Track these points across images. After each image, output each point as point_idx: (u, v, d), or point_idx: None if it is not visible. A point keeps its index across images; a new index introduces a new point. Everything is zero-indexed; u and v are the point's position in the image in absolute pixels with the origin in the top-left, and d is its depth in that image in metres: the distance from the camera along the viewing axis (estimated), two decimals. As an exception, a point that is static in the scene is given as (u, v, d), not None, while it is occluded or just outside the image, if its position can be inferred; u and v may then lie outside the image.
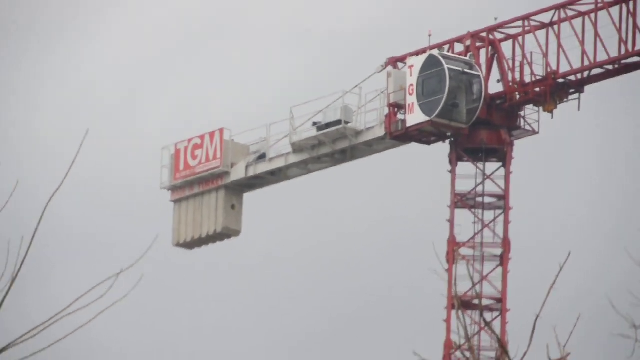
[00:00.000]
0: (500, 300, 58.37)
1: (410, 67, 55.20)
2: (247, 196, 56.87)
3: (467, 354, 49.22)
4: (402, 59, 56.73)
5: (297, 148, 56.98)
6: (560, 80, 55.75)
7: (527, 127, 56.91)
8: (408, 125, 55.39)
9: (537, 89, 55.38)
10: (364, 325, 79.59)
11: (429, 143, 57.49)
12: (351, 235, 73.81)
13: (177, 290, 64.97)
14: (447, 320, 57.39)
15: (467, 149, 56.70)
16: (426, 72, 54.23)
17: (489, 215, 57.99)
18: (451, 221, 57.16)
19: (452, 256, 56.05)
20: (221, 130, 56.80)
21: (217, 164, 55.82)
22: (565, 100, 55.91)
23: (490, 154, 56.33)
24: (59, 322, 8.24)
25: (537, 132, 57.19)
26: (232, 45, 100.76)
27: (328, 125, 55.79)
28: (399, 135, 56.19)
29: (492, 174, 56.32)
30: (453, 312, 57.31)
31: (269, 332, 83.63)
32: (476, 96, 54.62)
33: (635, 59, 55.44)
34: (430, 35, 56.19)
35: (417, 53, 55.99)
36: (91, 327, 8.57)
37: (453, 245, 56.65)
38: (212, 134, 56.92)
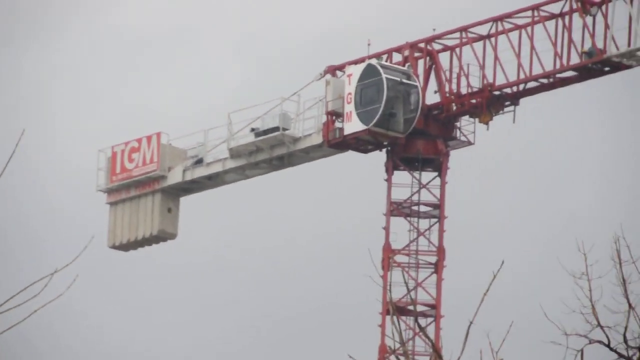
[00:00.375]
0: (435, 307, 59.01)
1: (349, 75, 55.41)
2: (184, 200, 57.07)
3: (402, 359, 48.49)
4: (341, 68, 57.04)
5: (234, 153, 56.93)
6: (496, 93, 56.38)
7: (463, 138, 57.39)
8: (345, 133, 55.81)
9: (473, 101, 55.82)
10: (301, 330, 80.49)
11: (365, 151, 57.73)
12: (288, 241, 74.87)
13: (111, 290, 65.11)
14: (382, 326, 57.97)
15: (403, 158, 56.98)
16: (364, 81, 54.51)
17: (424, 223, 58.48)
18: (387, 229, 57.40)
19: (387, 263, 56.50)
20: (158, 134, 56.83)
21: (154, 167, 55.95)
22: (500, 112, 56.48)
23: (426, 164, 56.83)
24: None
25: (473, 143, 57.70)
26: (172, 50, 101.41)
27: (266, 131, 55.90)
28: (337, 143, 56.47)
29: (428, 183, 56.99)
30: (388, 318, 57.82)
31: (202, 335, 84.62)
32: (413, 106, 54.86)
33: (570, 73, 56.09)
34: (369, 45, 56.46)
35: (355, 62, 56.16)
36: (25, 325, 8.52)
37: (388, 252, 57.04)
38: (149, 138, 56.85)
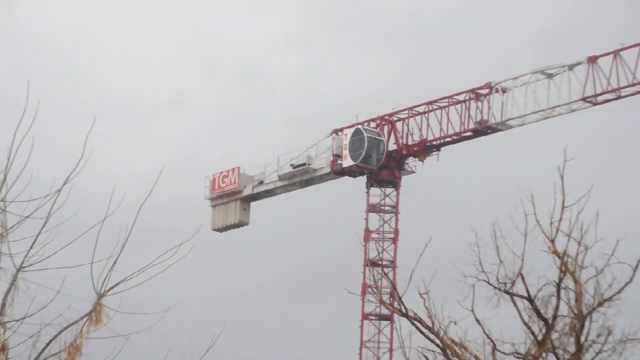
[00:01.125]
0: (393, 262, 71.43)
1: (345, 134, 71.98)
2: (253, 204, 76.69)
3: (375, 290, 56.46)
4: (341, 130, 72.45)
5: (281, 177, 74.48)
6: (428, 144, 71.81)
7: (409, 169, 73.10)
8: (344, 166, 71.20)
9: (415, 148, 71.49)
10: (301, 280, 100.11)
11: (354, 176, 72.22)
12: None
13: (212, 258, 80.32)
14: (363, 272, 69.90)
15: (376, 180, 72.38)
16: (354, 137, 70.72)
17: (387, 216, 72.22)
18: (366, 220, 70.98)
19: (367, 237, 70.58)
20: (238, 168, 76.93)
21: (236, 186, 75.40)
22: (431, 154, 72.70)
23: (388, 184, 72.96)
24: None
25: (415, 172, 73.21)
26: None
27: (298, 165, 72.08)
28: (338, 172, 71.67)
29: (389, 194, 73.63)
30: (368, 269, 69.85)
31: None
32: (381, 151, 70.64)
33: (469, 133, 71.94)
34: (357, 117, 72.73)
35: (349, 127, 72.46)
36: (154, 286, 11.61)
37: (368, 232, 70.97)
38: (233, 169, 76.63)
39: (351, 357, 65.35)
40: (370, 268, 69.00)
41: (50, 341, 10.96)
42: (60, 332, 11.03)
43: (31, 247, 10.78)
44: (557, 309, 20.24)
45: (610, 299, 20.07)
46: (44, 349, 10.95)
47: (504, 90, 65.20)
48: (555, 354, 21.24)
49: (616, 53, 61.18)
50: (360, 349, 65.87)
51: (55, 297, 10.93)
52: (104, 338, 11.41)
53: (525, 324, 20.61)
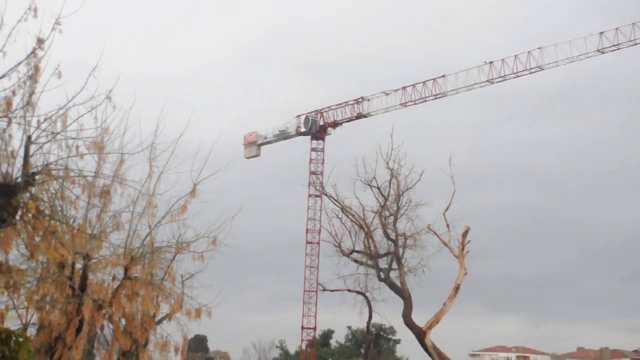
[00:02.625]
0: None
1: (302, 117, 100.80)
2: (262, 147, 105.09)
3: None
4: (300, 115, 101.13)
5: (275, 136, 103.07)
6: (336, 122, 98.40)
7: (329, 133, 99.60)
8: (301, 131, 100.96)
9: (331, 124, 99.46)
10: None
11: (305, 135, 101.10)
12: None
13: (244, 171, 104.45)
14: None
15: (314, 137, 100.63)
16: (305, 119, 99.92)
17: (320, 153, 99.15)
18: (310, 153, 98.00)
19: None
20: (256, 131, 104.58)
21: (255, 139, 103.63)
22: (338, 126, 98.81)
23: (320, 139, 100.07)
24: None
25: (331, 134, 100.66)
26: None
27: (282, 131, 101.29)
28: (299, 133, 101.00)
29: (320, 143, 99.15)
30: None
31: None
32: (317, 125, 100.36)
33: (354, 118, 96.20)
34: (306, 110, 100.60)
35: (304, 114, 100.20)
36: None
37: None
38: (253, 132, 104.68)
39: (304, 213, 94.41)
40: (311, 175, 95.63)
41: (174, 203, 24.27)
42: (178, 199, 24.22)
43: (166, 163, 24.49)
44: (389, 191, 46.35)
45: (410, 187, 46.27)
46: (172, 206, 24.48)
47: (368, 99, 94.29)
48: (388, 210, 45.77)
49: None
50: (307, 209, 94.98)
51: (174, 185, 24.20)
52: (196, 203, 24.46)
53: (376, 198, 45.19)
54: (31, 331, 24.14)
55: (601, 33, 75.85)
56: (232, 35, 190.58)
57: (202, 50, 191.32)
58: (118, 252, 24.24)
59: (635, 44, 74.42)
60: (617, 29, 75.25)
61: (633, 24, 75.00)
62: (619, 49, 75.78)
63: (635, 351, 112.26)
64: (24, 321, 24.21)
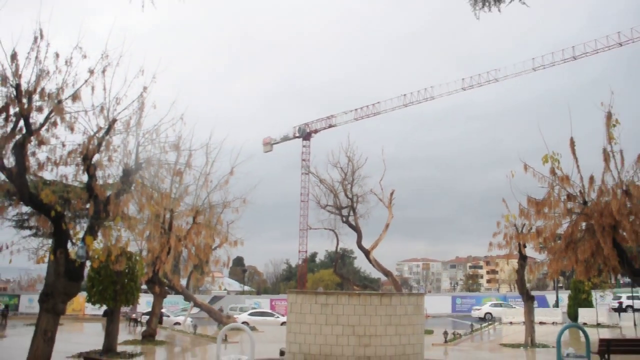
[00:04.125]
0: None
1: (297, 127, 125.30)
2: (275, 145, 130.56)
3: None
4: (296, 127, 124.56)
5: (281, 138, 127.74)
6: (317, 130, 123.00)
7: (313, 136, 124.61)
8: (297, 135, 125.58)
9: (314, 131, 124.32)
10: None
11: (299, 138, 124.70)
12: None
13: (263, 160, 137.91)
14: None
15: (305, 139, 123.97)
16: (299, 128, 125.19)
17: (307, 148, 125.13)
18: (302, 149, 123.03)
19: None
20: (270, 136, 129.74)
21: (269, 139, 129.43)
22: (317, 133, 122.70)
23: (306, 140, 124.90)
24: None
25: (314, 137, 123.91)
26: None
27: (284, 135, 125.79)
28: (296, 136, 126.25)
29: (306, 143, 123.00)
30: None
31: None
32: (306, 131, 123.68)
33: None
34: (300, 122, 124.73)
35: (298, 125, 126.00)
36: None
37: None
38: (268, 137, 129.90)
39: (299, 183, 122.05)
40: (302, 161, 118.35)
41: (220, 180, 34.35)
42: (223, 178, 34.64)
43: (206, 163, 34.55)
44: (347, 172, 54.87)
45: (360, 167, 55.25)
46: (218, 182, 35.23)
47: (335, 117, 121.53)
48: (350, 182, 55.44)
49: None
50: (301, 181, 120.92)
51: (221, 164, 38.96)
52: (234, 179, 33.44)
53: (340, 175, 55.50)
54: (143, 253, 33.05)
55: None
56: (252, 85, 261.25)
57: (237, 94, 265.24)
58: (189, 208, 33.16)
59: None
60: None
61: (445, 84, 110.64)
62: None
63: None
64: (139, 247, 32.92)
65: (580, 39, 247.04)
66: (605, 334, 44.28)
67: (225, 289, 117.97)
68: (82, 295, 57.87)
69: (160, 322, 52.61)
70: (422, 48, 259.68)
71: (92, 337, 43.15)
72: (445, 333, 39.52)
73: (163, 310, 55.70)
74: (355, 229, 53.74)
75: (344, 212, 54.95)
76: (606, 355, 25.16)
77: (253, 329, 45.87)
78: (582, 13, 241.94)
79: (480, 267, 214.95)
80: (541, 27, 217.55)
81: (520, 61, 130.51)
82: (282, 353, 25.02)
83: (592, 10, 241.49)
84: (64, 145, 17.89)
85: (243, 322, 51.26)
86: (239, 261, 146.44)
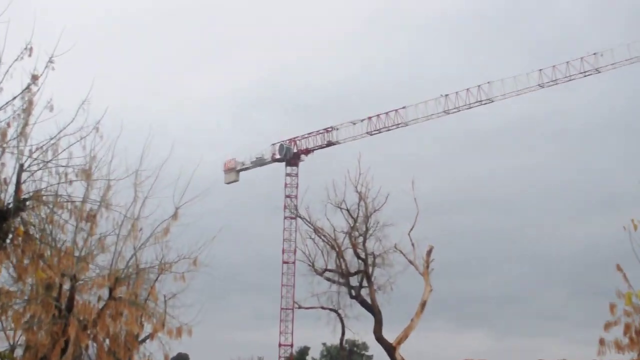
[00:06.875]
0: None
1: (277, 145, 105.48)
2: (241, 173, 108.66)
3: None
4: (275, 144, 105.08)
5: (252, 162, 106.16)
6: (309, 149, 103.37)
7: (302, 159, 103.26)
8: (276, 157, 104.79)
9: (304, 151, 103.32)
10: None
11: (280, 162, 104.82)
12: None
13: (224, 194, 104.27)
14: None
15: (288, 164, 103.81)
16: (280, 147, 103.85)
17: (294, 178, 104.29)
18: (285, 178, 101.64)
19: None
20: (235, 158, 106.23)
21: (233, 165, 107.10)
22: (310, 154, 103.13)
23: (294, 165, 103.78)
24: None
25: (304, 161, 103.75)
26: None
27: (258, 158, 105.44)
28: (274, 160, 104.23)
29: (294, 170, 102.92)
30: None
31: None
32: (291, 153, 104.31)
33: (325, 145, 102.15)
34: (281, 138, 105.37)
35: (278, 142, 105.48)
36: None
37: None
38: (232, 159, 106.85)
39: (280, 234, 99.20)
40: (286, 198, 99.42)
41: (157, 226, 23.75)
42: (161, 223, 23.80)
43: (150, 188, 23.77)
44: (357, 213, 46.96)
45: (377, 209, 47.20)
46: (155, 229, 23.87)
47: (337, 129, 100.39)
48: (358, 231, 46.81)
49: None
50: (283, 230, 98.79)
51: (157, 208, 24.14)
52: (178, 225, 24.50)
53: (346, 220, 47.03)
54: (18, 352, 25.08)
55: (540, 70, 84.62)
56: (223, 80, 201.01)
57: (194, 90, 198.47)
58: (103, 273, 24.80)
59: (570, 80, 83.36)
60: (554, 66, 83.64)
61: (567, 62, 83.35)
62: (556, 84, 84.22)
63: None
64: (11, 342, 24.92)
65: None
66: None
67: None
68: None
69: None
70: (473, 27, 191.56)
71: None
72: None
73: None
74: (372, 309, 44.64)
75: (353, 281, 46.18)
76: None
77: None
78: None
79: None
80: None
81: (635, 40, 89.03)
82: None
83: None
84: None
85: None
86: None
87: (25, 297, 19.40)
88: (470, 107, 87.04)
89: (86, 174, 17.88)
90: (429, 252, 44.96)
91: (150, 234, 25.63)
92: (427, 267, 44.82)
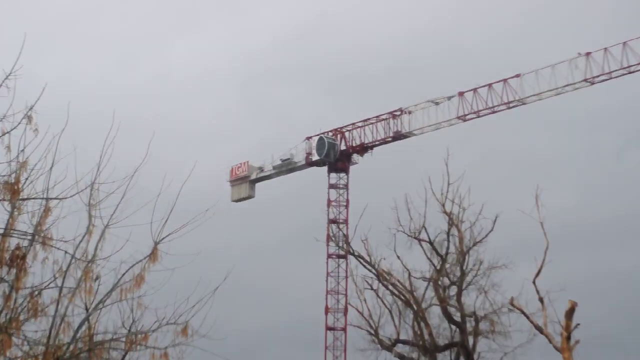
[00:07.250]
0: (346, 205, 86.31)
1: (313, 140, 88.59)
2: (257, 184, 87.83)
3: None
4: (311, 137, 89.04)
5: (275, 167, 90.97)
6: (365, 145, 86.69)
7: (354, 161, 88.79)
8: (313, 160, 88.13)
9: (357, 148, 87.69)
10: None
11: (320, 166, 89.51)
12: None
13: (231, 218, 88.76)
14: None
15: (333, 168, 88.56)
16: (319, 142, 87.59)
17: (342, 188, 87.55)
18: (328, 192, 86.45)
19: (329, 203, 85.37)
20: (247, 161, 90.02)
21: (245, 172, 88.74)
22: (367, 152, 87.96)
23: (341, 171, 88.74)
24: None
25: (357, 163, 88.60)
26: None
27: (285, 159, 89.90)
28: (310, 163, 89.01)
29: (342, 177, 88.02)
30: None
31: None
32: (336, 151, 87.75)
33: (390, 139, 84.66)
34: (320, 129, 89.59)
35: (316, 135, 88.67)
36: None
37: (329, 202, 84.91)
38: (244, 162, 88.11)
39: (321, 283, 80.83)
40: (331, 225, 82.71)
41: (125, 272, 16.38)
42: (132, 266, 16.41)
43: (114, 212, 16.27)
44: (447, 248, 35.03)
45: (480, 241, 34.29)
46: (121, 277, 16.51)
47: (410, 112, 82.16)
48: (448, 277, 35.16)
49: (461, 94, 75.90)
50: (327, 277, 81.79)
51: (125, 244, 16.32)
52: (158, 271, 16.78)
53: (428, 258, 35.21)
54: None
55: None
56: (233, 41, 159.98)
57: (194, 58, 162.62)
58: (36, 351, 16.54)
59: None
60: None
61: None
62: None
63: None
64: None
65: None
66: None
67: None
68: None
69: None
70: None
71: None
72: None
73: None
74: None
75: (444, 359, 36.66)
76: None
77: None
78: None
79: None
80: None
81: None
82: None
83: None
84: None
85: None
86: None
87: None
88: (631, 72, 62.19)
89: (10, 189, 13.71)
90: (570, 313, 29.78)
91: (113, 286, 17.43)
92: (568, 337, 29.77)
